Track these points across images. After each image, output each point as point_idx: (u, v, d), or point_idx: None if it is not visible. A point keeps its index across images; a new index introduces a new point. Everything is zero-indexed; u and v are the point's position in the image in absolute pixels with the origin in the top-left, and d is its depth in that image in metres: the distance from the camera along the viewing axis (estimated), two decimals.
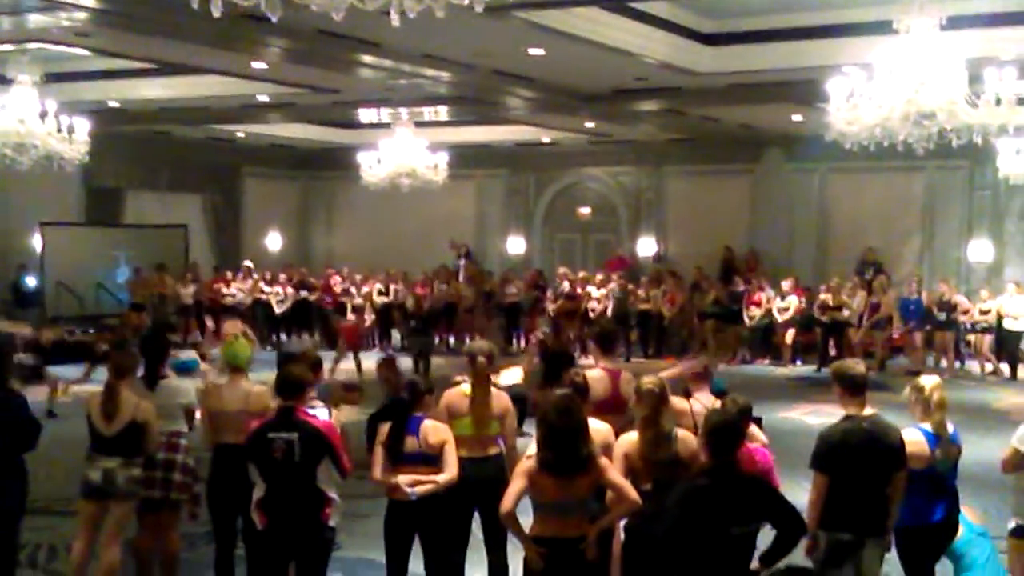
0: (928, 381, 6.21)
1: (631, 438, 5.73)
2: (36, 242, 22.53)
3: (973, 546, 6.72)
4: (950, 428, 6.14)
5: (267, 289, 22.07)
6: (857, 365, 6.17)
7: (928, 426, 6.04)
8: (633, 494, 5.25)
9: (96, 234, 23.53)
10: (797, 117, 18.65)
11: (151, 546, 7.11)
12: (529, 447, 5.42)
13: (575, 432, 5.17)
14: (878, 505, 5.83)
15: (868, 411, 5.92)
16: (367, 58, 14.19)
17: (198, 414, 7.16)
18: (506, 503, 5.19)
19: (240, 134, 23.99)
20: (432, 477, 6.01)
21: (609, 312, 20.02)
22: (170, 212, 25.41)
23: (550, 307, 20.42)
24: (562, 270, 22.08)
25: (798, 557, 5.24)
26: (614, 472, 5.29)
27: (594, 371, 7.45)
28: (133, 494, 6.82)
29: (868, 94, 10.13)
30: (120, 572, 6.87)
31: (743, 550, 4.85)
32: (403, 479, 6.01)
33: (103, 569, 6.80)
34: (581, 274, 21.68)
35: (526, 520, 5.32)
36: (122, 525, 6.89)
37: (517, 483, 5.25)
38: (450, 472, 6.05)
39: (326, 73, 15.51)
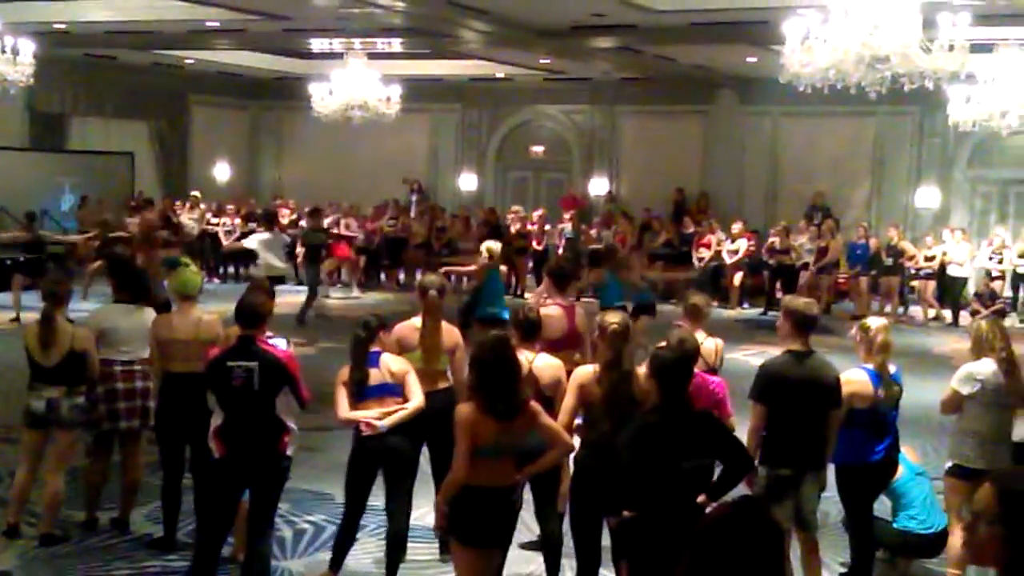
0: (875, 322, 6.33)
1: (587, 371, 5.70)
2: None
3: (912, 485, 6.88)
4: (892, 368, 6.25)
5: (214, 220, 21.84)
6: (811, 305, 6.26)
7: (871, 366, 6.15)
8: (566, 438, 5.23)
9: (40, 160, 23.05)
10: (752, 59, 18.64)
11: (105, 475, 7.11)
12: None
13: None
14: (816, 441, 5.95)
15: (809, 349, 6.01)
16: None
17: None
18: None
19: (188, 60, 23.49)
20: (401, 406, 6.03)
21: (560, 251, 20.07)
22: (116, 139, 24.93)
23: None
24: (515, 208, 22.01)
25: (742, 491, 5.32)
26: (546, 416, 5.24)
27: (550, 308, 7.46)
28: (77, 423, 6.80)
29: (823, 36, 10.14)
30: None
31: (694, 483, 4.90)
32: (370, 413, 6.00)
33: (48, 497, 6.79)
34: (537, 212, 21.59)
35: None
36: (66, 454, 6.91)
37: None
38: (417, 399, 6.07)
39: None
